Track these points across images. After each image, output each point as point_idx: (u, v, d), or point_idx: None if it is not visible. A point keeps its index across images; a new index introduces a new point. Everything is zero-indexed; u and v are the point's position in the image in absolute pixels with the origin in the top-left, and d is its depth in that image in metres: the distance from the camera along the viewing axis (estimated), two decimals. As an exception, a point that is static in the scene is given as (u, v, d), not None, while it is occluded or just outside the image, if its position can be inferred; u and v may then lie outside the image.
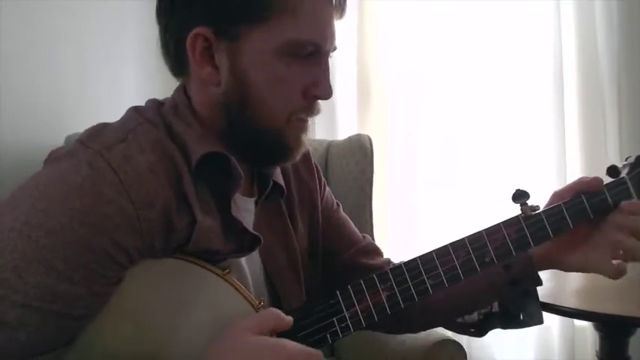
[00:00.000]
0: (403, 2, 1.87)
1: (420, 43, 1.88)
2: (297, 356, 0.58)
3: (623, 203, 0.74)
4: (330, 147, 1.61)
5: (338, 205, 0.92)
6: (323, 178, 0.90)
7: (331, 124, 1.86)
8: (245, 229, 0.68)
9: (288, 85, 0.67)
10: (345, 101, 1.87)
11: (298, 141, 0.71)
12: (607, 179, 0.78)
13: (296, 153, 0.72)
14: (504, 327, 0.82)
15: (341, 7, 0.69)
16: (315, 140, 1.66)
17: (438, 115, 1.90)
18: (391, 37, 1.88)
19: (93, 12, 1.22)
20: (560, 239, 0.75)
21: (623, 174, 0.79)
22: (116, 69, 1.32)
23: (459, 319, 0.84)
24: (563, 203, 0.75)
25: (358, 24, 1.86)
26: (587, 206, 0.75)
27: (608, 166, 0.80)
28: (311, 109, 0.70)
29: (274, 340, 0.59)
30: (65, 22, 1.14)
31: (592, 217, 0.75)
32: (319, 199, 0.86)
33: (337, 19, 0.69)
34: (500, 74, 1.90)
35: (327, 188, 0.91)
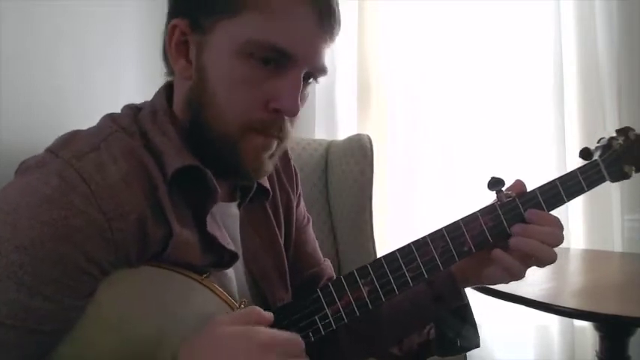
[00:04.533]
0: (403, 2, 1.87)
1: (420, 43, 1.88)
2: (271, 340, 0.56)
3: (529, 212, 0.73)
4: (330, 147, 1.61)
5: (309, 220, 0.90)
6: (300, 187, 0.88)
7: (331, 124, 1.86)
8: (221, 246, 0.66)
9: (245, 90, 0.62)
10: (345, 101, 1.87)
11: (257, 159, 0.65)
12: (580, 162, 0.79)
13: (253, 173, 0.66)
14: (442, 354, 0.81)
15: (328, 23, 0.63)
16: (315, 140, 1.66)
17: (438, 114, 1.90)
18: (391, 37, 1.88)
19: (93, 12, 1.22)
20: (479, 254, 0.74)
21: (596, 156, 0.80)
22: (116, 69, 1.32)
23: (396, 351, 0.82)
24: (538, 188, 0.75)
25: (358, 24, 1.86)
26: (561, 190, 0.75)
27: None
28: (272, 125, 0.64)
29: (245, 327, 0.57)
30: (65, 22, 1.13)
31: (566, 200, 0.76)
32: (294, 208, 0.85)
33: (324, 38, 0.64)
34: (500, 74, 1.90)
35: (302, 201, 0.89)
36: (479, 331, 0.80)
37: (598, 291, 1.29)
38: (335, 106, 1.86)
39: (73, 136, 0.64)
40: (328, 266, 0.89)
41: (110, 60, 1.30)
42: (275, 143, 0.66)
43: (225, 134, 0.64)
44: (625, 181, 0.82)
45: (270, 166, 0.68)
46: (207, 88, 0.64)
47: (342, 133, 1.80)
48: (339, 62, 1.84)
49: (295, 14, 0.61)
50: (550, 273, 1.33)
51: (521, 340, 1.90)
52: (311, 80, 0.67)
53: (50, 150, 0.62)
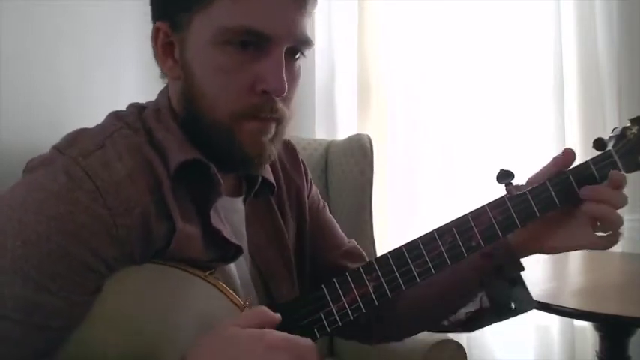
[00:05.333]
0: (403, 2, 1.87)
1: (420, 43, 1.88)
2: (278, 343, 0.55)
3: (612, 173, 0.71)
4: (330, 147, 1.61)
5: (324, 205, 0.89)
6: (310, 175, 0.87)
7: (331, 124, 1.85)
8: (225, 239, 0.66)
9: (230, 77, 0.62)
10: (345, 101, 1.87)
11: (256, 145, 0.65)
12: (594, 153, 0.78)
13: (255, 159, 0.66)
14: (500, 319, 0.80)
15: None
16: (315, 140, 1.66)
17: (438, 114, 1.90)
18: (391, 37, 1.88)
19: (93, 12, 1.22)
20: (535, 223, 0.73)
21: (609, 147, 0.77)
22: (116, 69, 1.32)
23: (445, 322, 0.81)
24: (548, 180, 0.72)
25: (358, 24, 1.86)
26: (573, 182, 0.72)
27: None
28: (263, 107, 0.63)
29: (257, 330, 0.57)
30: (65, 22, 1.14)
31: (579, 192, 0.73)
32: (306, 197, 0.85)
33: (298, 9, 0.62)
34: (500, 74, 1.90)
35: (314, 187, 0.88)
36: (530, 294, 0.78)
37: (598, 291, 1.29)
38: (335, 106, 1.86)
39: (78, 135, 0.65)
40: (354, 246, 0.88)
41: (110, 60, 1.30)
42: (272, 126, 0.66)
43: (219, 124, 0.64)
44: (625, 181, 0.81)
45: (272, 149, 0.67)
46: (195, 82, 0.64)
47: (342, 133, 1.80)
48: (339, 62, 1.84)
49: None
50: (550, 273, 1.34)
51: (521, 340, 1.90)
52: (298, 55, 0.67)
53: (56, 148, 0.63)
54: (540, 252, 0.77)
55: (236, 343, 0.55)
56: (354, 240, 0.90)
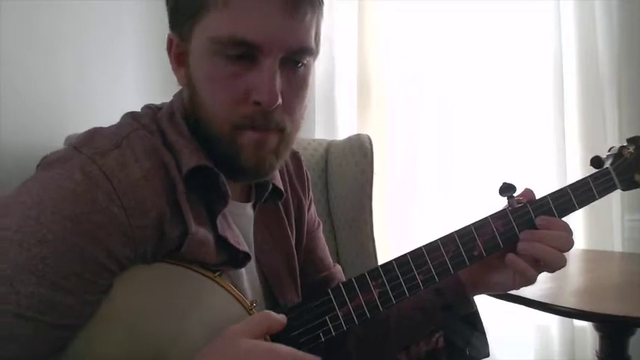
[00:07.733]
0: (403, 2, 1.87)
1: (420, 43, 1.88)
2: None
3: (539, 218, 0.74)
4: (329, 147, 1.61)
5: (319, 224, 0.90)
6: (311, 193, 0.88)
7: (331, 124, 1.85)
8: (233, 247, 0.67)
9: (222, 88, 0.63)
10: (345, 101, 1.87)
11: (256, 156, 0.65)
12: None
13: (254, 169, 0.66)
14: None
15: (292, 4, 0.61)
16: (315, 140, 1.66)
17: (438, 114, 1.90)
18: (391, 37, 1.88)
19: (93, 12, 1.22)
20: (488, 262, 0.75)
21: (607, 165, 0.81)
22: (115, 69, 1.32)
23: (404, 358, 0.81)
24: (549, 195, 0.76)
25: (358, 24, 1.86)
26: (572, 197, 0.76)
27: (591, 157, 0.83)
28: (257, 118, 0.63)
29: (268, 344, 0.58)
30: (65, 22, 1.14)
31: (577, 207, 0.76)
32: (306, 212, 0.86)
33: (292, 16, 0.61)
34: (500, 74, 1.90)
35: (313, 205, 0.89)
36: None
37: (598, 291, 1.29)
38: (335, 106, 1.85)
39: (95, 133, 0.65)
40: (338, 271, 0.89)
41: (110, 60, 1.30)
42: (273, 137, 0.65)
43: (220, 134, 0.64)
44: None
45: (274, 161, 0.67)
46: (196, 92, 0.65)
47: (342, 133, 1.80)
48: (339, 62, 1.84)
49: (251, 2, 0.60)
50: (550, 273, 1.33)
51: (521, 340, 1.90)
52: (300, 65, 0.65)
53: (73, 146, 0.63)
54: (489, 290, 0.79)
55: (249, 357, 0.56)
56: (339, 265, 0.91)
